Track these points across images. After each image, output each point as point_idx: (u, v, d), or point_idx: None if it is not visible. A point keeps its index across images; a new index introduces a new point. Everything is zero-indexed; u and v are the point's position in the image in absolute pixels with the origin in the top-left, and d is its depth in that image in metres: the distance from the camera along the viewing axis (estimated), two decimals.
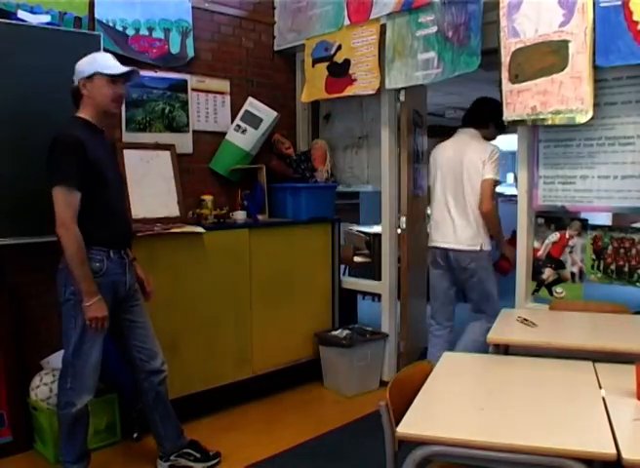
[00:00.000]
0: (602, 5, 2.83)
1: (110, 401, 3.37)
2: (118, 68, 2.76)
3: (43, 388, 3.25)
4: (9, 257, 3.29)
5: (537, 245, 3.43)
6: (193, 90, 4.17)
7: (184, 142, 4.13)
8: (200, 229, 3.61)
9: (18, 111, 3.07)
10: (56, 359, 3.21)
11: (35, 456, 3.24)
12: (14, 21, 3.16)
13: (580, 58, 2.90)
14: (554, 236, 3.36)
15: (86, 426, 2.83)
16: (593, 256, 3.24)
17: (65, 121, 2.72)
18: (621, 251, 3.14)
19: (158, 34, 3.96)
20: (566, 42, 2.94)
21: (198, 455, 3.08)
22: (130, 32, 3.82)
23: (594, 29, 2.86)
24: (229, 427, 3.58)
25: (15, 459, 3.19)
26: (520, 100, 3.15)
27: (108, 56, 2.83)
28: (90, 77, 2.69)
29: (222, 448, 3.19)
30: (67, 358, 2.73)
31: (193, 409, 3.57)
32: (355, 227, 6.86)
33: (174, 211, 3.91)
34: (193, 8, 4.13)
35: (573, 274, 3.32)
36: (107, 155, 2.82)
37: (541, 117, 3.08)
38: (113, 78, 2.73)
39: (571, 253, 3.31)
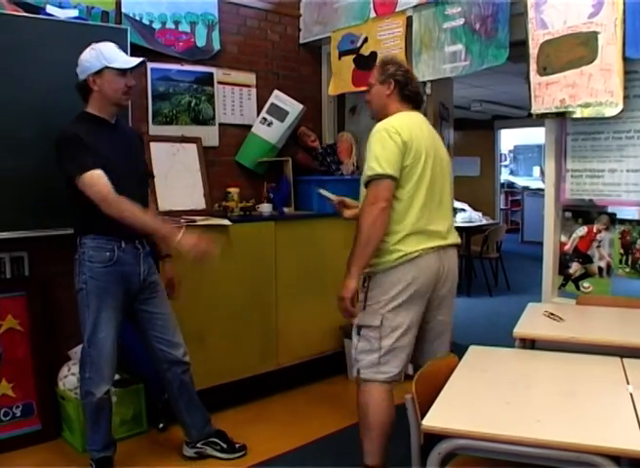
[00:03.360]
0: None
1: (137, 391, 3.41)
2: (127, 62, 2.74)
3: (71, 378, 3.30)
4: (38, 249, 3.34)
5: (564, 239, 3.39)
6: (219, 83, 4.19)
7: (210, 135, 4.15)
8: (226, 222, 3.63)
9: (46, 106, 3.10)
10: None
11: (63, 445, 3.29)
12: (42, 16, 3.20)
13: (609, 50, 2.86)
14: (582, 230, 3.33)
15: (109, 415, 2.86)
16: (621, 251, 3.20)
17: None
18: None
19: (184, 28, 3.98)
20: (595, 33, 2.90)
21: (224, 446, 3.11)
22: (156, 26, 3.84)
23: (624, 20, 2.81)
24: (254, 419, 3.60)
25: (43, 447, 3.25)
26: (548, 93, 3.11)
27: (111, 46, 2.75)
28: (99, 72, 2.67)
29: (247, 439, 3.22)
30: (84, 347, 2.77)
31: (218, 400, 3.59)
32: None
33: (200, 203, 3.94)
34: (219, 1, 4.14)
35: (600, 269, 3.28)
36: (118, 147, 2.77)
37: (570, 110, 3.04)
38: (123, 71, 2.72)
39: (598, 247, 3.27)
